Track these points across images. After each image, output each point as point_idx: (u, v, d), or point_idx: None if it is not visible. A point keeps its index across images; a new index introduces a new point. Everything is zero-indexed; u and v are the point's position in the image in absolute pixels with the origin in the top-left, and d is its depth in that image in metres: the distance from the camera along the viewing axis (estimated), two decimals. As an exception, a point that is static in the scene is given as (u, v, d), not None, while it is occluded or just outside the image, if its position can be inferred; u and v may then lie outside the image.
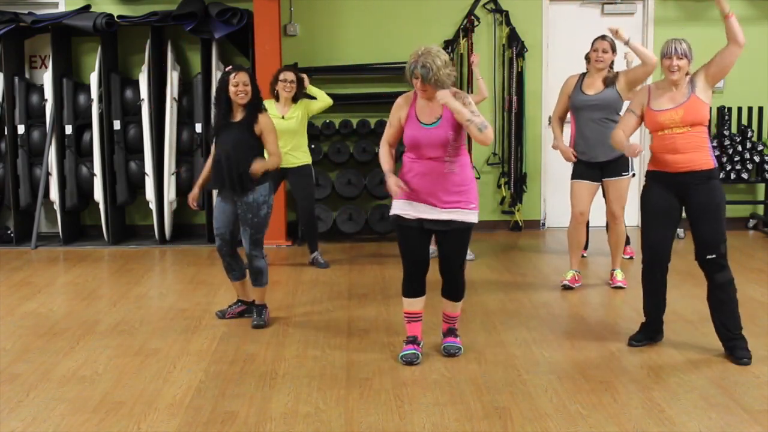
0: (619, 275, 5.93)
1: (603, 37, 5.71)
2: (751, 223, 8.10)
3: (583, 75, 5.83)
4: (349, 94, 7.84)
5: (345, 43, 7.91)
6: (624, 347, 4.63)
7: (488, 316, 5.23)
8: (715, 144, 7.86)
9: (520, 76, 7.91)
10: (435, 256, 6.67)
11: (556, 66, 7.89)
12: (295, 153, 6.44)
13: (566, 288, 5.81)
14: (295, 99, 6.46)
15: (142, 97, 7.53)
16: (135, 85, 7.66)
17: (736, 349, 4.40)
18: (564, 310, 5.44)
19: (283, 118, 6.35)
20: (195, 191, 5.17)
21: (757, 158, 7.87)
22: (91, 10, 7.70)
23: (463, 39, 7.88)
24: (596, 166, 5.74)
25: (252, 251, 4.99)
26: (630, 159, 5.73)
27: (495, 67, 7.94)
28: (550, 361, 4.41)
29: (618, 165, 5.72)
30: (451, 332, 4.57)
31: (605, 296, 5.71)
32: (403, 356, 4.41)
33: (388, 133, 4.41)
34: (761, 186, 8.13)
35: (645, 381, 4.11)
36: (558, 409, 3.77)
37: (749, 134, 7.89)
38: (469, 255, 6.76)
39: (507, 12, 7.87)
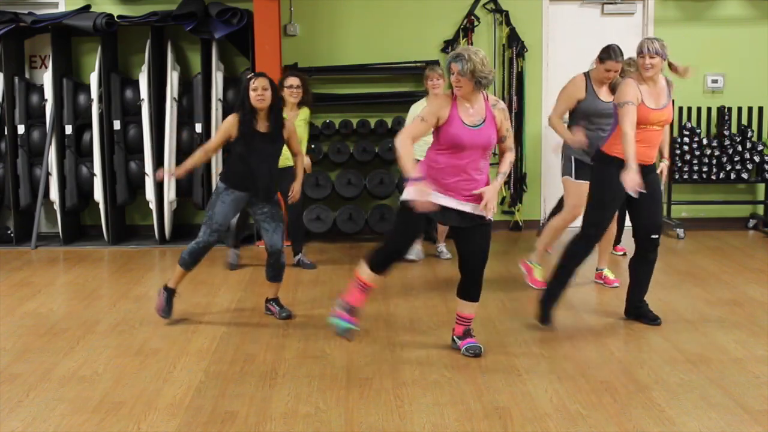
0: (611, 274, 5.92)
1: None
2: (751, 223, 8.09)
3: (587, 77, 5.63)
4: (349, 94, 7.84)
5: (345, 43, 7.91)
6: (624, 347, 4.64)
7: (488, 316, 5.22)
8: (715, 144, 7.86)
9: (520, 76, 7.91)
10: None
11: (556, 66, 7.90)
12: (286, 154, 6.27)
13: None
14: (300, 104, 6.33)
15: (142, 97, 7.52)
16: (135, 85, 7.65)
17: (644, 311, 5.00)
18: (564, 310, 5.43)
19: None
20: (180, 171, 5.07)
21: (757, 158, 7.87)
22: (91, 10, 7.69)
23: (463, 39, 7.87)
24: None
25: (282, 248, 5.16)
26: None
27: (495, 67, 7.94)
28: (550, 361, 4.41)
29: None
30: (467, 334, 4.54)
31: (605, 296, 5.71)
32: (342, 330, 4.35)
33: (419, 128, 4.13)
34: (761, 186, 8.13)
35: (645, 381, 4.11)
36: (558, 409, 3.77)
37: (749, 134, 7.88)
38: (446, 254, 6.76)
39: (507, 12, 7.87)
